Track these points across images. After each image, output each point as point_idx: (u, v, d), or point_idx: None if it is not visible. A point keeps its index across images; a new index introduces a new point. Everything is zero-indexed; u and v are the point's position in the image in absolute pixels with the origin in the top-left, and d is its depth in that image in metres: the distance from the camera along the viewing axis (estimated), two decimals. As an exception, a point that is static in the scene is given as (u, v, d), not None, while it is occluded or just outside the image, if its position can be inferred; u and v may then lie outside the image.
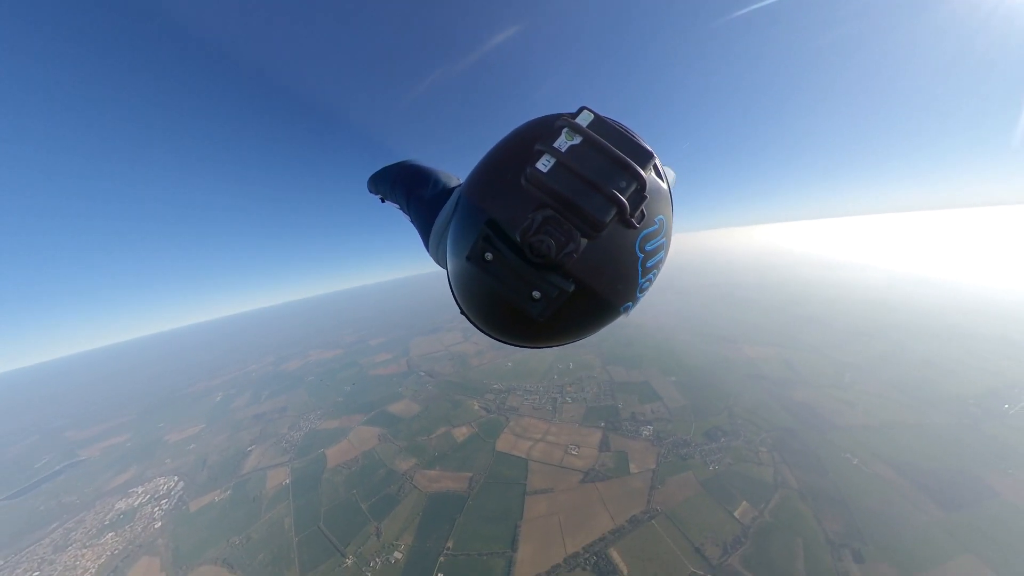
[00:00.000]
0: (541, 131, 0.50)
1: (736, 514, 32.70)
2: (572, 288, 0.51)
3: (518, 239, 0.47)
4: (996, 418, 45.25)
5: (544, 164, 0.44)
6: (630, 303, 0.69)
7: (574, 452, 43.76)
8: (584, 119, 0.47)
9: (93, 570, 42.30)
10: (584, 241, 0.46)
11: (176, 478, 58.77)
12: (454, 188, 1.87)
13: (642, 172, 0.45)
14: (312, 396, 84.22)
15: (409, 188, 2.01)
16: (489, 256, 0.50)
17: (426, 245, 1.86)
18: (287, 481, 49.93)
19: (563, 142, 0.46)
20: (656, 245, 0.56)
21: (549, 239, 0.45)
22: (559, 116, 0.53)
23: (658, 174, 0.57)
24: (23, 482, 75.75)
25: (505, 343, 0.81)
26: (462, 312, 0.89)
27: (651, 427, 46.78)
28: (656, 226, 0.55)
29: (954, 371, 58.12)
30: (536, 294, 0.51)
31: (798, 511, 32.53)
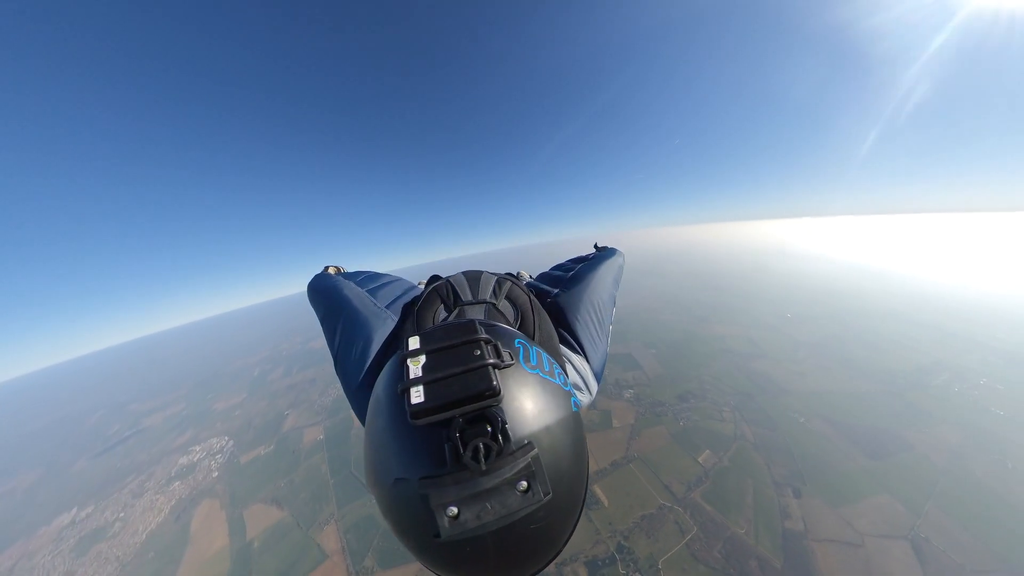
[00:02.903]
0: (393, 379, 0.40)
1: (699, 460, 34.99)
2: (534, 445, 0.39)
3: (457, 467, 0.39)
4: (919, 389, 48.23)
5: (417, 395, 0.39)
6: (575, 399, 0.54)
7: (566, 412, 46.06)
8: (413, 344, 0.41)
9: (166, 511, 45.74)
10: (500, 410, 0.41)
11: (227, 438, 61.78)
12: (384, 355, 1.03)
13: (479, 335, 0.40)
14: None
15: (335, 347, 1.03)
16: (453, 510, 0.39)
17: (361, 420, 0.96)
18: (321, 437, 52.65)
19: (416, 370, 0.39)
20: (535, 356, 0.47)
21: (478, 440, 0.39)
22: (396, 356, 0.44)
23: (487, 326, 0.53)
24: (101, 446, 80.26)
25: (549, 562, 0.47)
26: None
27: (632, 391, 48.72)
28: (521, 348, 0.46)
29: (890, 350, 60.99)
30: (521, 484, 0.40)
31: (751, 458, 34.84)
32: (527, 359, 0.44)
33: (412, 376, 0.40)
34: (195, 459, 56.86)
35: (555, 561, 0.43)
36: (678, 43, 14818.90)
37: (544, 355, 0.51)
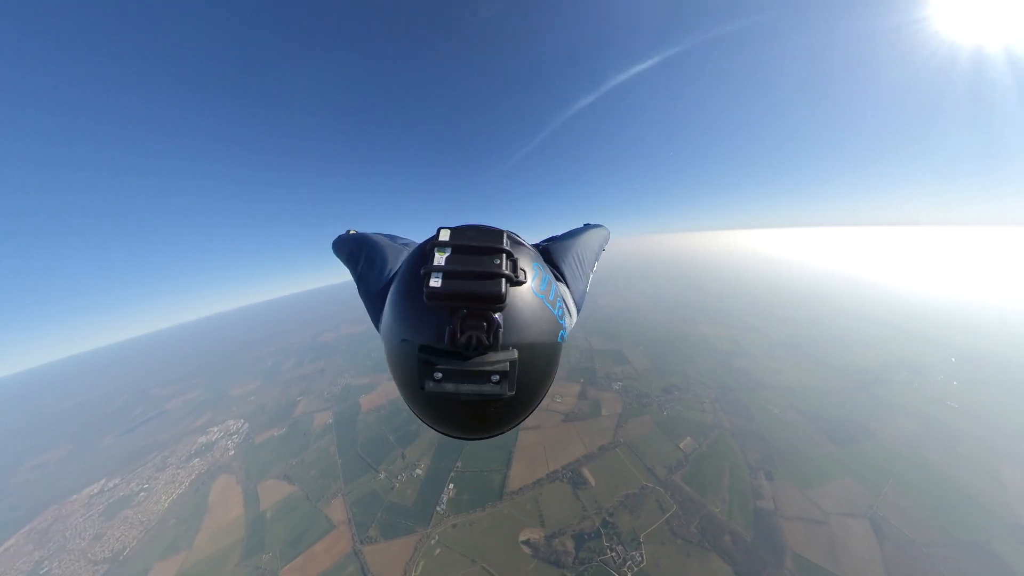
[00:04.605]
0: (419, 260, 0.51)
1: (681, 446, 35.84)
2: (516, 353, 0.52)
3: (451, 347, 0.48)
4: (883, 384, 49.34)
5: (435, 280, 0.47)
6: (562, 331, 0.68)
7: (558, 400, 46.62)
8: (444, 236, 0.51)
9: (187, 484, 46.67)
10: (498, 315, 0.50)
11: (242, 420, 62.63)
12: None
13: (503, 247, 0.49)
14: (345, 360, 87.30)
15: (358, 269, 1.44)
16: (439, 375, 0.49)
17: (376, 326, 1.12)
18: (330, 421, 53.50)
19: (440, 259, 0.50)
20: (545, 283, 0.58)
21: (474, 331, 0.48)
22: (426, 242, 0.56)
23: (513, 241, 0.59)
24: (126, 426, 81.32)
25: (495, 435, 0.65)
26: (435, 429, 0.67)
27: (620, 383, 49.67)
28: (536, 272, 0.57)
29: (858, 350, 62.18)
30: (494, 377, 0.51)
31: (728, 445, 35.71)
32: (539, 283, 0.54)
33: (436, 264, 0.50)
34: (213, 438, 57.65)
35: (499, 435, 0.63)
36: (677, 55, 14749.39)
37: (554, 285, 0.59)
